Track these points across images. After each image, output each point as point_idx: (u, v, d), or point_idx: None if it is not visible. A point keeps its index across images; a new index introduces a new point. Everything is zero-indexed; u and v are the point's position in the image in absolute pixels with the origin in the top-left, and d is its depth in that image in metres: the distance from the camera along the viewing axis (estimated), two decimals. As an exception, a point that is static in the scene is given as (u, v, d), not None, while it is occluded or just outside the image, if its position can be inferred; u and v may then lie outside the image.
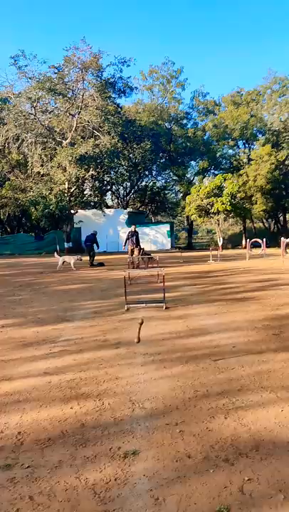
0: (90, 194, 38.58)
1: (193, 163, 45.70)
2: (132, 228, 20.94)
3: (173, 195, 53.70)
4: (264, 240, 24.34)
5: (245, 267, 19.73)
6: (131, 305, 10.11)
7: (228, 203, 30.89)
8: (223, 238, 48.90)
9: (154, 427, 4.10)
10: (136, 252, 20.03)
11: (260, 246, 24.96)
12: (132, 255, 19.44)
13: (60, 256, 22.38)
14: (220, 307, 9.91)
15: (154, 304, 10.17)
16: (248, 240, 25.10)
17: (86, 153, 31.97)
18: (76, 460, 3.61)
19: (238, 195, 33.16)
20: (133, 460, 3.56)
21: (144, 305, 10.11)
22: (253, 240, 25.27)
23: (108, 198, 52.91)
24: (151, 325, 8.36)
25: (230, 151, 44.05)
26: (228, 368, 5.68)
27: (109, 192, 50.12)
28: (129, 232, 20.70)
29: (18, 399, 4.96)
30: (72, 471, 3.45)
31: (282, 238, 20.38)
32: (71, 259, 21.04)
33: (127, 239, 20.55)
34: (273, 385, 5.03)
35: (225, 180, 32.02)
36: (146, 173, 46.68)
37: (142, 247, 21.56)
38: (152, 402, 4.69)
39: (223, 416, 4.27)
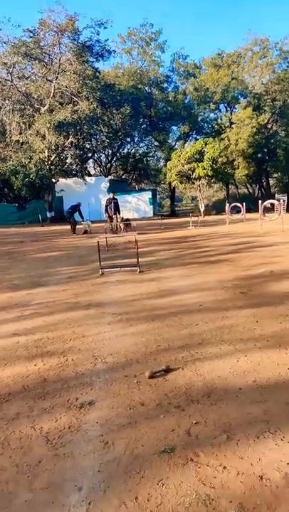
0: (71, 162, 38.09)
1: (174, 128, 45.19)
2: (110, 196, 20.83)
3: (156, 161, 53.19)
4: (244, 204, 24.41)
5: (224, 231, 19.86)
6: (106, 270, 10.19)
7: (209, 168, 30.82)
8: (207, 205, 48.97)
9: (113, 379, 4.24)
10: (115, 219, 19.99)
11: (240, 211, 25.06)
12: (110, 222, 19.41)
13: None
14: (193, 270, 10.04)
15: (128, 268, 10.25)
16: (227, 204, 25.11)
17: (64, 119, 31.39)
18: (33, 412, 3.73)
19: (220, 159, 33.00)
20: (88, 409, 3.69)
21: (118, 269, 10.19)
22: (232, 205, 25.33)
23: (90, 167, 52.35)
24: (124, 288, 8.48)
25: (212, 114, 43.55)
26: (192, 325, 5.82)
27: (91, 160, 49.55)
28: (107, 200, 20.61)
29: (-15, 359, 5.05)
30: (28, 421, 3.57)
31: (259, 201, 20.45)
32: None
33: (106, 206, 20.48)
34: (233, 338, 5.18)
35: (206, 144, 31.82)
36: (128, 139, 46.07)
37: (121, 214, 21.51)
38: (114, 356, 4.82)
39: (180, 367, 4.42)
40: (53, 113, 32.05)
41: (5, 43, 32.69)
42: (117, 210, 20.42)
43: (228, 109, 43.30)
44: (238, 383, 3.99)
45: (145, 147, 48.73)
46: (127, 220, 21.39)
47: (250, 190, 52.71)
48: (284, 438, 3.09)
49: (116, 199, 20.71)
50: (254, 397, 3.72)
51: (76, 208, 23.05)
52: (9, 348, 5.35)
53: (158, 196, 61.85)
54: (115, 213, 20.23)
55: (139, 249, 13.50)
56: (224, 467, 2.82)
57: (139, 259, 10.76)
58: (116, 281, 9.15)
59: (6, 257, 14.67)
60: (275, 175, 48.02)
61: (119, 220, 20.21)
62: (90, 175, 46.10)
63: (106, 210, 20.55)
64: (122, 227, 18.07)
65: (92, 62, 35.25)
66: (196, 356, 4.69)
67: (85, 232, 22.51)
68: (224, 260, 11.03)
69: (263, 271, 9.21)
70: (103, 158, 49.88)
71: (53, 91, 33.16)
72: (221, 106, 43.05)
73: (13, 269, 11.83)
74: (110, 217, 20.07)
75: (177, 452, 3.01)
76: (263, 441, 3.08)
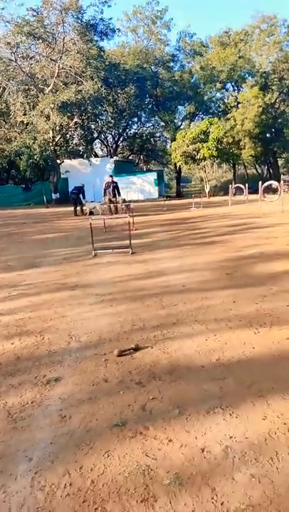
0: (76, 143, 37.98)
1: (180, 108, 44.69)
2: (109, 180, 20.71)
3: (163, 142, 52.79)
4: (246, 185, 24.28)
5: (225, 212, 19.84)
6: (99, 251, 10.30)
7: (214, 149, 30.60)
8: (216, 186, 48.72)
9: (83, 357, 4.37)
10: (114, 202, 19.97)
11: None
12: (109, 204, 19.43)
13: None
14: (185, 251, 10.11)
15: (121, 250, 10.34)
16: (230, 186, 24.99)
17: (68, 100, 31.21)
18: (1, 388, 3.87)
19: (225, 140, 32.70)
20: (53, 386, 3.82)
21: (111, 251, 10.29)
22: (235, 186, 25.20)
23: (97, 147, 52.17)
24: (113, 269, 8.59)
25: (218, 94, 42.94)
26: (170, 305, 5.93)
27: (98, 141, 49.37)
28: (106, 183, 20.54)
29: None
30: (-6, 396, 3.72)
31: (259, 182, 20.34)
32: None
33: (105, 190, 20.45)
34: (207, 318, 5.28)
35: (211, 124, 31.53)
36: (135, 119, 45.78)
37: (122, 197, 21.49)
38: (89, 336, 4.94)
39: (150, 346, 4.53)
40: (57, 93, 31.88)
41: (8, 22, 32.43)
42: (117, 192, 20.38)
43: (235, 88, 42.71)
44: (202, 361, 4.10)
45: (152, 127, 48.39)
46: (124, 201, 21.40)
47: (259, 171, 52.24)
48: (232, 413, 3.20)
49: (115, 182, 20.66)
50: (214, 374, 3.83)
51: (81, 189, 23.13)
52: (-10, 327, 5.50)
53: (166, 177, 61.65)
54: (114, 196, 20.23)
55: (137, 231, 13.67)
56: (170, 440, 2.95)
57: (135, 241, 10.89)
58: (107, 263, 9.26)
59: (4, 238, 14.84)
60: (284, 155, 47.47)
61: (120, 201, 20.23)
62: (96, 156, 45.98)
63: (104, 193, 20.55)
64: (123, 209, 18.12)
65: (97, 41, 34.91)
66: (167, 335, 4.80)
67: (91, 213, 22.61)
68: (218, 242, 11.08)
69: (252, 252, 9.26)
70: (110, 138, 49.65)
71: (57, 71, 32.93)
72: (228, 85, 42.47)
73: (10, 250, 11.98)
74: (110, 200, 20.07)
75: (128, 426, 3.13)
76: (213, 416, 3.19)
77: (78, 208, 22.97)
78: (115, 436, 3.03)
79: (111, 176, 21.37)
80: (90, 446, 2.94)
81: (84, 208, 23.01)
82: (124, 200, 20.85)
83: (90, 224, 10.42)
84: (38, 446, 2.98)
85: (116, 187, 20.34)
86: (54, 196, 35.15)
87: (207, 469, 2.63)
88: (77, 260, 9.80)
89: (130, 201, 22.76)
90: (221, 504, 2.35)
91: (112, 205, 18.68)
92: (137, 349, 4.45)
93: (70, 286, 7.36)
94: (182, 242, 11.55)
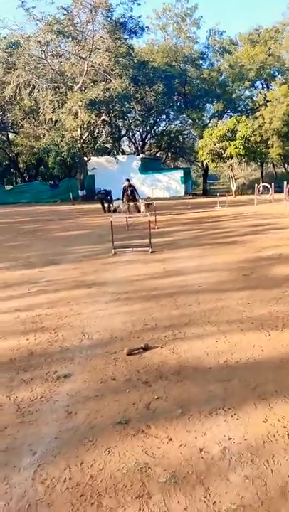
0: (104, 140, 38.19)
1: (208, 105, 44.38)
2: (126, 184, 20.63)
3: (191, 140, 52.55)
4: (272, 184, 24.02)
5: (249, 212, 19.69)
6: (119, 249, 10.40)
7: (241, 147, 30.27)
8: (244, 184, 48.29)
9: (93, 355, 4.46)
10: (140, 205, 19.93)
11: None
12: (129, 203, 19.49)
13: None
14: (205, 250, 10.13)
15: (141, 249, 10.41)
16: (256, 185, 24.76)
17: (96, 97, 31.42)
18: (13, 382, 4.00)
19: (253, 138, 32.31)
20: (63, 382, 3.93)
21: (130, 249, 10.38)
22: (261, 185, 24.96)
23: (125, 145, 52.36)
24: (131, 267, 8.68)
25: (247, 92, 42.41)
26: (184, 305, 5.98)
27: (126, 138, 49.54)
28: (123, 187, 20.53)
29: (-17, 332, 5.38)
30: (6, 391, 3.84)
31: (284, 182, 20.10)
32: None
33: (123, 193, 20.49)
34: (219, 320, 5.31)
35: (238, 123, 31.21)
36: (163, 117, 45.72)
37: (139, 199, 21.44)
38: (101, 334, 5.04)
39: (160, 346, 4.60)
40: (86, 91, 32.14)
41: (39, 20, 32.83)
42: (133, 196, 20.29)
43: (264, 86, 42.16)
44: (210, 363, 4.15)
45: (180, 125, 48.25)
46: (148, 199, 21.45)
47: (288, 170, 51.47)
48: (234, 415, 3.25)
49: (132, 186, 20.70)
50: (221, 376, 3.87)
51: (108, 194, 23.31)
52: (8, 323, 5.66)
53: (194, 175, 61.40)
54: (133, 200, 20.26)
55: (159, 230, 13.73)
56: (170, 439, 3.01)
57: (156, 240, 10.98)
58: (126, 261, 9.36)
59: (30, 235, 15.10)
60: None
61: (140, 203, 20.23)
62: (124, 153, 46.14)
63: (122, 197, 20.63)
64: (143, 208, 18.18)
65: (126, 39, 34.99)
66: (178, 336, 4.85)
67: (114, 211, 22.77)
68: (239, 242, 11.05)
69: (271, 253, 9.21)
70: (138, 136, 49.73)
71: (86, 69, 33.16)
72: (257, 83, 41.93)
73: (33, 247, 12.21)
74: (129, 200, 20.09)
75: (131, 424, 3.21)
76: (214, 417, 3.24)
77: (106, 205, 23.13)
78: (117, 434, 3.11)
79: (128, 180, 21.32)
80: (92, 443, 3.03)
81: (111, 205, 23.18)
82: (147, 199, 20.90)
83: (111, 222, 10.53)
84: (43, 440, 3.08)
85: (133, 191, 20.37)
86: (80, 193, 35.46)
87: (203, 469, 2.69)
88: (97, 258, 9.92)
89: (153, 199, 22.74)
90: (213, 504, 2.40)
91: (131, 204, 18.79)
92: (146, 349, 4.52)
93: (87, 284, 7.48)
94: (203, 241, 11.55)
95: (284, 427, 3.08)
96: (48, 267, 9.23)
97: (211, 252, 9.94)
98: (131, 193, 20.17)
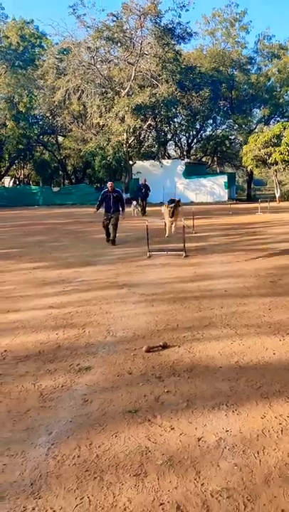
0: (149, 145, 38.71)
1: (255, 111, 44.18)
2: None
3: (237, 145, 52.32)
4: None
5: (291, 219, 19.59)
6: (154, 253, 10.71)
7: (287, 153, 30.01)
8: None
9: (115, 351, 4.80)
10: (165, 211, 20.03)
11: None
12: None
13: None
14: (238, 256, 10.29)
15: (175, 253, 10.69)
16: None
17: (143, 102, 31.93)
18: (39, 372, 4.39)
19: (299, 144, 31.96)
20: (83, 374, 4.28)
21: (165, 253, 10.68)
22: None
23: (171, 149, 52.76)
24: (163, 270, 8.98)
25: (295, 97, 42.00)
26: (207, 308, 6.22)
27: (172, 142, 49.92)
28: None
29: (18, 326, 5.82)
30: (32, 379, 4.23)
31: None
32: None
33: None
34: (239, 323, 5.53)
35: (284, 128, 30.94)
36: (210, 121, 45.85)
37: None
38: (125, 332, 5.37)
39: (177, 345, 4.88)
40: (132, 96, 32.74)
41: (89, 27, 33.75)
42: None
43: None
44: (222, 363, 4.39)
45: (226, 129, 48.17)
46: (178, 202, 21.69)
47: None
48: (235, 411, 3.49)
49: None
50: (229, 375, 4.11)
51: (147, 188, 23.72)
52: (41, 319, 6.09)
53: (240, 180, 61.02)
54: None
55: (196, 234, 13.94)
56: (172, 428, 3.29)
57: (191, 244, 11.25)
58: (159, 265, 9.66)
59: (71, 236, 15.69)
60: None
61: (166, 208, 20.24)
62: (169, 157, 46.53)
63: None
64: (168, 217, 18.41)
65: (174, 44, 35.36)
66: (196, 337, 5.12)
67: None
68: (273, 248, 11.13)
69: (303, 261, 9.29)
70: (183, 140, 50.01)
71: (133, 74, 33.77)
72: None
73: (73, 248, 12.72)
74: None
75: (139, 413, 3.52)
76: (217, 411, 3.49)
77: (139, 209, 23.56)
78: (126, 421, 3.42)
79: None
80: (102, 427, 3.35)
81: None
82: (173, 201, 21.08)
83: (147, 226, 10.86)
84: (59, 423, 3.43)
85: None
86: (125, 196, 35.93)
87: (198, 455, 2.96)
88: (132, 260, 10.27)
89: (196, 204, 22.90)
90: (201, 485, 2.67)
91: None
92: (164, 347, 4.80)
93: (118, 285, 7.83)
94: (237, 247, 11.71)
95: (279, 423, 3.30)
96: (84, 267, 9.65)
97: (243, 257, 10.10)
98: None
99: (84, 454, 3.04)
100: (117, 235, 12.98)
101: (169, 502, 2.54)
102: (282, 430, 3.22)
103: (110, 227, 13.15)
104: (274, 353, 4.56)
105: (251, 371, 4.18)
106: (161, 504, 2.52)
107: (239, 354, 4.57)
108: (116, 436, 3.23)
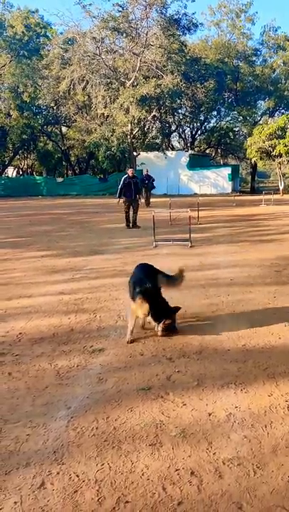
0: (153, 136, 38.76)
1: (260, 103, 44.14)
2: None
3: (241, 137, 52.26)
4: None
5: (294, 211, 19.73)
6: (160, 243, 10.89)
7: (291, 146, 30.05)
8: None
9: (126, 334, 4.98)
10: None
11: None
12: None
13: None
14: (242, 247, 10.47)
15: (180, 243, 10.86)
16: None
17: (148, 93, 31.96)
18: (55, 352, 4.59)
19: (303, 137, 31.98)
20: (97, 354, 4.48)
21: (170, 243, 10.85)
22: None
23: (175, 140, 52.77)
24: (169, 260, 9.13)
25: (300, 89, 41.88)
26: (214, 296, 6.41)
27: (176, 133, 49.93)
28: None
29: (30, 311, 6.02)
30: (48, 359, 4.43)
31: None
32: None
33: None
34: (244, 310, 5.73)
35: (289, 121, 30.98)
36: (214, 113, 45.81)
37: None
38: (135, 317, 5.56)
39: (186, 329, 5.07)
40: (137, 87, 32.75)
41: (94, 17, 33.71)
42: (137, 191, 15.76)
43: None
44: (230, 346, 4.58)
45: (231, 121, 48.13)
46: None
47: None
48: (243, 389, 3.68)
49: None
50: (237, 357, 4.31)
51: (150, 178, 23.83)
52: (53, 304, 6.28)
53: (244, 172, 61.03)
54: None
55: (201, 226, 14.09)
56: (184, 404, 3.49)
57: (196, 235, 11.40)
58: (165, 254, 9.84)
59: (77, 226, 15.86)
60: None
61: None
62: (173, 148, 46.56)
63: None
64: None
65: (179, 35, 35.30)
66: (204, 321, 5.31)
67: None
68: (276, 240, 11.31)
69: (307, 252, 9.46)
70: (187, 132, 50.02)
71: (138, 65, 33.76)
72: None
73: (80, 237, 12.90)
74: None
75: (152, 390, 3.71)
76: (226, 390, 3.69)
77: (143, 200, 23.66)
78: (140, 398, 3.61)
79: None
80: (117, 403, 3.55)
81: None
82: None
83: (153, 216, 11.02)
84: (77, 399, 3.63)
85: (137, 184, 15.77)
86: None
87: (209, 428, 3.15)
88: (138, 250, 10.46)
89: (200, 195, 23.04)
90: (213, 454, 2.87)
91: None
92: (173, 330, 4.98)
93: (126, 273, 7.95)
94: (241, 238, 11.88)
95: (286, 401, 3.50)
96: (92, 256, 9.84)
97: (247, 248, 10.28)
98: (134, 186, 15.32)
99: (102, 426, 3.24)
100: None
101: (183, 468, 2.74)
102: (288, 407, 3.41)
103: (131, 212, 14.21)
104: (279, 338, 4.75)
105: (258, 354, 4.37)
106: (176, 470, 2.72)
107: (246, 338, 4.76)
108: (131, 410, 3.42)
